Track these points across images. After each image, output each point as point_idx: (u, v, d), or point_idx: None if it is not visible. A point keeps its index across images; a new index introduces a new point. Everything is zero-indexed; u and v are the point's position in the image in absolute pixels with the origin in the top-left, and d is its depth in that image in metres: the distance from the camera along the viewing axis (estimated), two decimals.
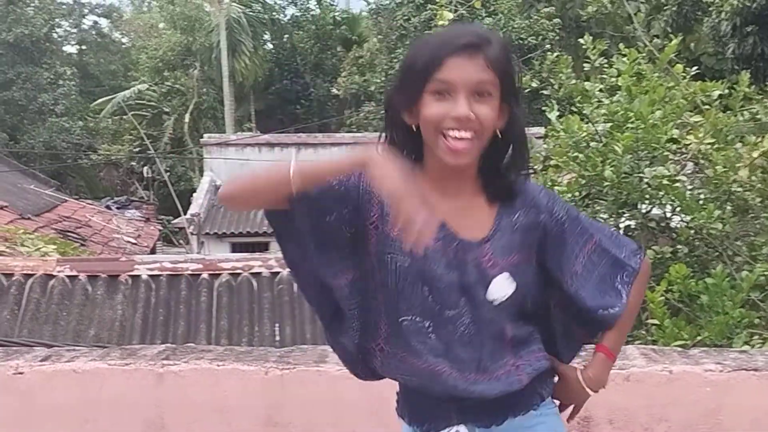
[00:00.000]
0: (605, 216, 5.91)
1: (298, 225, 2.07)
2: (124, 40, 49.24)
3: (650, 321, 4.80)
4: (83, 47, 45.85)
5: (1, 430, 3.34)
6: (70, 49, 45.63)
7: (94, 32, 46.82)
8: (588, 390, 2.23)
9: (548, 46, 22.81)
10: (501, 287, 2.09)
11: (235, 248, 19.06)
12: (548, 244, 2.17)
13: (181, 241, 27.26)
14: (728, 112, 6.19)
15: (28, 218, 15.94)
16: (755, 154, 5.61)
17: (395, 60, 27.37)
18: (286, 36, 36.55)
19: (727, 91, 6.22)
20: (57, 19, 41.11)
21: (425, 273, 2.07)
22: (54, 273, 8.51)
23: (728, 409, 3.11)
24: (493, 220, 2.13)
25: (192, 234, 20.16)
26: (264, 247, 18.29)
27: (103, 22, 48.20)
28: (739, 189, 5.70)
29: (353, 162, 1.96)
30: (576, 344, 2.36)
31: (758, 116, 6.37)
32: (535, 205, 2.16)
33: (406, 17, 26.83)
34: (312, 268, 2.15)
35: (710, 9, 18.62)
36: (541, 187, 2.26)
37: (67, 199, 22.26)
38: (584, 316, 2.22)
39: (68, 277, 8.52)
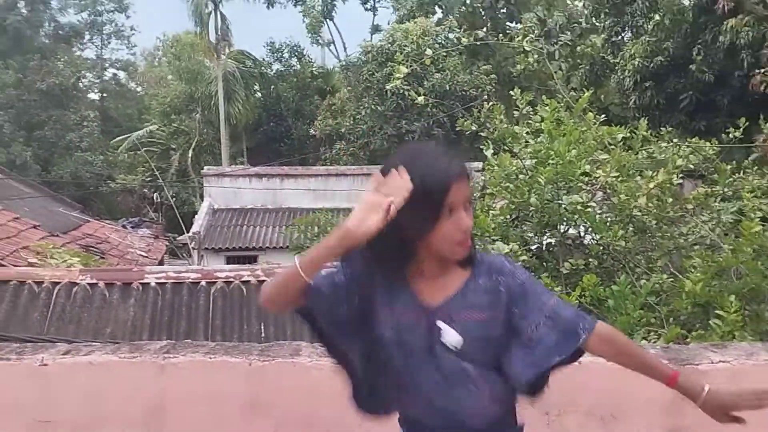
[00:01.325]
0: (531, 234, 5.96)
1: (320, 317, 2.16)
2: (138, 89, 48.89)
3: None
4: (104, 95, 45.51)
5: (29, 413, 3.29)
6: (94, 96, 45.23)
7: (113, 83, 46.59)
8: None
9: (486, 96, 22.93)
10: (449, 334, 2.09)
11: (229, 260, 18.92)
12: (513, 301, 2.11)
13: (184, 255, 26.99)
14: (630, 151, 6.26)
15: (57, 235, 15.68)
16: (651, 186, 5.68)
17: (362, 107, 27.49)
18: (273, 87, 36.34)
19: (629, 134, 6.30)
20: (83, 72, 40.93)
21: (401, 342, 2.13)
22: (77, 281, 8.37)
23: (625, 393, 3.13)
24: (462, 284, 2.13)
25: (193, 249, 20.04)
26: (253, 260, 18.21)
27: (121, 74, 48.02)
28: (639, 213, 5.76)
29: (337, 237, 2.01)
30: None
31: (654, 155, 6.46)
32: (498, 270, 2.14)
33: (370, 72, 27.03)
34: (337, 343, 2.23)
35: (616, 68, 18.91)
36: (505, 257, 2.23)
37: (89, 219, 21.94)
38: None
39: (89, 284, 8.39)
